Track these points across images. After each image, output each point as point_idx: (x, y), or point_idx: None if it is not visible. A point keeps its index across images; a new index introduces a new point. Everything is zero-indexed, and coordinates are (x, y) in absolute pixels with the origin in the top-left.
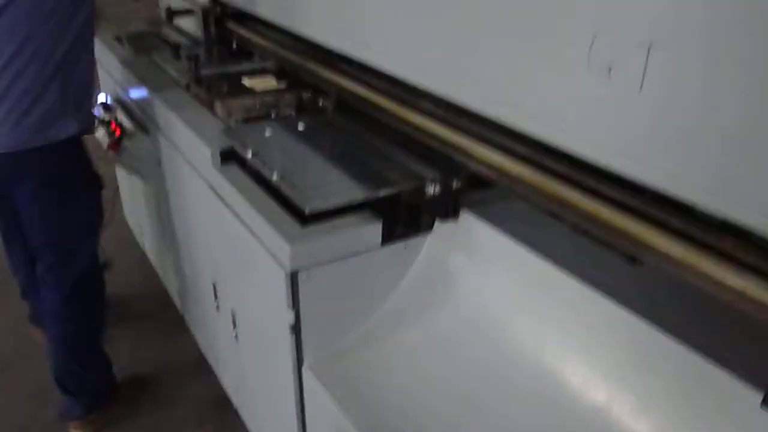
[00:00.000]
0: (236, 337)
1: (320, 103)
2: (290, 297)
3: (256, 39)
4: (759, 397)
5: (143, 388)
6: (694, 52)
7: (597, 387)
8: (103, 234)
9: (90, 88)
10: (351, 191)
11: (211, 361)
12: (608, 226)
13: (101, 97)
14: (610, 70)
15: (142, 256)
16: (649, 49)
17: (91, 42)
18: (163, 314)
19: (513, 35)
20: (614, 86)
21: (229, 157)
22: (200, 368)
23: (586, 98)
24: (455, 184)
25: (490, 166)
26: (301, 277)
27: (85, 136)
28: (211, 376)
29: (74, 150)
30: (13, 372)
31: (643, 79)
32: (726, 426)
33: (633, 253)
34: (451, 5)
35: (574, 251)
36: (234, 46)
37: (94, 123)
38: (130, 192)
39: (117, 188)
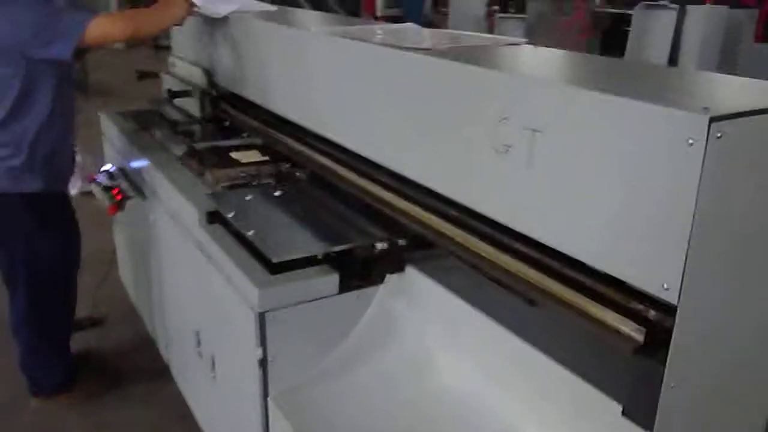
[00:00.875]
0: (214, 378)
1: (296, 174)
2: (259, 335)
3: (244, 118)
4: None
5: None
6: (567, 137)
7: (507, 406)
8: (99, 292)
9: (58, 152)
10: (312, 246)
11: (192, 406)
12: (514, 275)
13: (106, 166)
14: (507, 148)
15: (135, 314)
16: (533, 132)
17: (64, 104)
18: (151, 369)
19: (440, 127)
20: (512, 161)
21: (214, 218)
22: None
23: (493, 171)
24: (401, 242)
25: (426, 226)
26: (268, 317)
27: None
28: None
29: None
30: None
31: (531, 156)
32: (603, 426)
33: (532, 297)
34: (391, 105)
35: (492, 294)
36: (226, 123)
37: (60, 183)
38: (125, 254)
39: (114, 250)
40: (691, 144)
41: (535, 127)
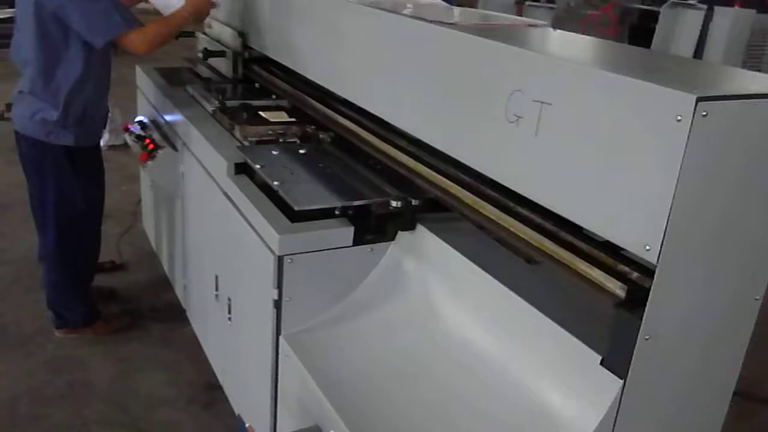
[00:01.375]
0: (230, 320)
1: (320, 136)
2: (276, 277)
3: (274, 80)
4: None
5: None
6: (571, 110)
7: (500, 353)
8: (123, 240)
9: (93, 108)
10: (331, 200)
11: (205, 348)
12: (515, 235)
13: (139, 117)
14: (518, 119)
15: (156, 261)
16: (542, 104)
17: (98, 72)
18: (168, 312)
19: (458, 96)
20: (521, 131)
21: (241, 168)
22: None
23: (504, 140)
24: (414, 202)
25: (439, 188)
26: (286, 261)
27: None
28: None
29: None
30: None
31: (538, 126)
32: (582, 373)
33: (531, 255)
34: (414, 74)
35: (494, 255)
36: (257, 84)
37: (90, 139)
38: (149, 204)
39: (139, 201)
40: (679, 120)
41: (544, 99)
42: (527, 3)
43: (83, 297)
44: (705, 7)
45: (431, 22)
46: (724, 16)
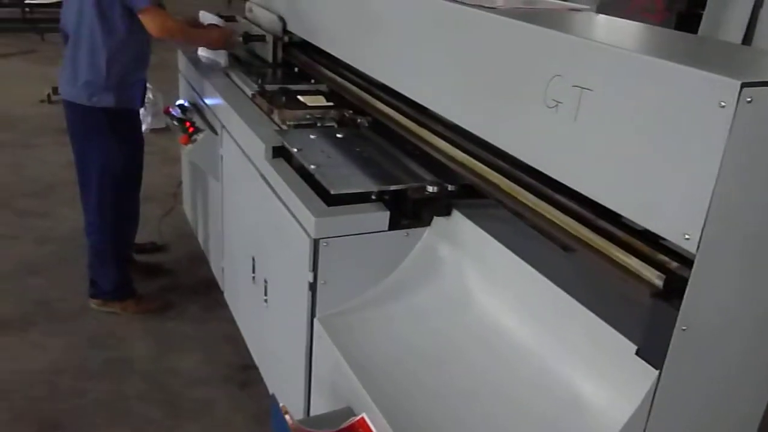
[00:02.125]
0: (266, 301)
1: (358, 120)
2: (311, 260)
3: (313, 65)
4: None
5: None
6: (611, 96)
7: (533, 340)
8: (164, 221)
9: (131, 74)
10: (368, 184)
11: (242, 328)
12: (552, 223)
13: (180, 100)
14: (557, 104)
15: (195, 243)
16: (582, 90)
17: (137, 38)
18: (207, 292)
19: (498, 81)
20: (559, 116)
21: (279, 152)
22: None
23: (542, 125)
24: (449, 188)
25: (475, 173)
26: (322, 244)
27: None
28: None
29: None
30: None
31: (577, 112)
32: (617, 363)
33: (567, 243)
34: (454, 59)
35: (529, 242)
36: (296, 69)
37: (132, 103)
38: (189, 187)
39: (180, 183)
40: (723, 106)
41: (584, 84)
42: None
43: (118, 267)
44: None
45: (470, 5)
46: None
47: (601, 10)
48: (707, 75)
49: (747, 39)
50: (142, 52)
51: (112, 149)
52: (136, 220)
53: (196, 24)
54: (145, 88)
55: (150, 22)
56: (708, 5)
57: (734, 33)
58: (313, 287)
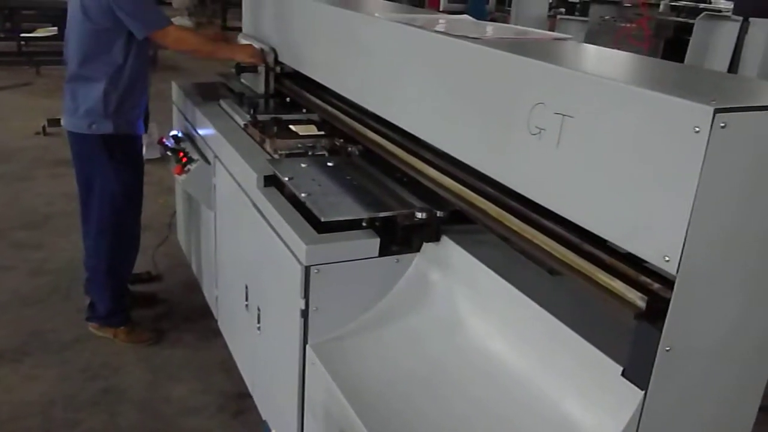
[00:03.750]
0: (259, 329)
1: (349, 149)
2: (303, 287)
3: (305, 95)
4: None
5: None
6: (591, 122)
7: (522, 363)
8: (159, 251)
9: (129, 100)
10: (358, 211)
11: (236, 357)
12: (538, 247)
13: (173, 131)
14: (540, 131)
15: (189, 272)
16: (564, 117)
17: (135, 63)
18: (201, 321)
19: (483, 109)
20: (543, 143)
21: (271, 180)
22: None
23: (526, 152)
24: (438, 214)
25: (463, 199)
26: (313, 271)
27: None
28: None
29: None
30: None
31: (559, 139)
32: (603, 384)
33: (553, 267)
34: (440, 88)
35: (517, 266)
36: (288, 99)
37: (132, 128)
38: (183, 216)
39: (174, 213)
40: (698, 132)
41: (566, 112)
42: (560, 17)
43: (113, 293)
44: (740, 19)
45: (457, 36)
46: (760, 28)
47: (589, 37)
48: (682, 101)
49: (733, 64)
50: (139, 78)
51: (112, 174)
52: (136, 246)
53: (224, 39)
54: (147, 113)
55: (164, 38)
56: (694, 32)
57: (720, 58)
58: (305, 314)
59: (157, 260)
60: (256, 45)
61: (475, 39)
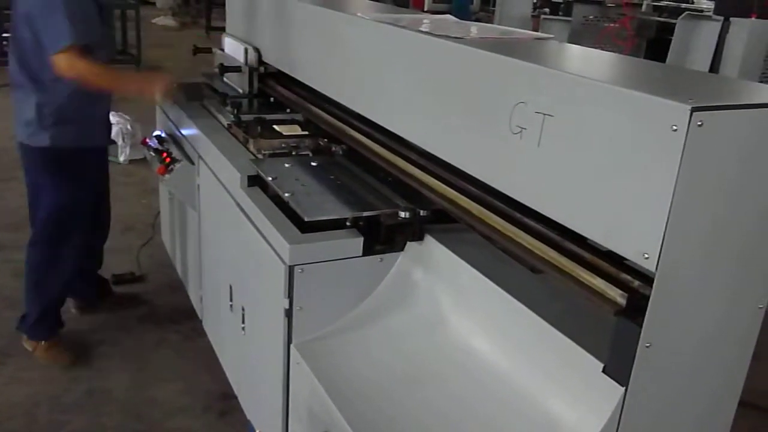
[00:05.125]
0: (243, 329)
1: (332, 149)
2: (287, 287)
3: (289, 95)
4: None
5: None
6: (571, 121)
7: (505, 361)
8: (141, 253)
9: (74, 112)
10: (341, 211)
11: (220, 357)
12: (520, 245)
13: (157, 131)
14: (521, 130)
15: (173, 273)
16: (544, 116)
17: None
18: (185, 322)
19: (465, 108)
20: (524, 142)
21: (254, 180)
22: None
23: (508, 151)
24: (422, 213)
25: (446, 198)
26: (297, 271)
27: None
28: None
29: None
30: None
31: (540, 138)
32: (584, 381)
33: (535, 265)
34: (422, 87)
35: (500, 264)
36: (271, 99)
37: (78, 141)
38: (167, 217)
39: (158, 213)
40: (675, 130)
41: (546, 111)
42: (543, 16)
43: (42, 305)
44: (721, 18)
45: (438, 36)
46: (741, 28)
47: (573, 36)
48: (659, 100)
49: (714, 63)
50: (82, 91)
51: (54, 188)
52: (78, 263)
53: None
54: (102, 125)
55: (60, 64)
56: (676, 31)
57: (702, 58)
58: (289, 314)
59: (140, 261)
60: (230, 48)
61: (457, 39)
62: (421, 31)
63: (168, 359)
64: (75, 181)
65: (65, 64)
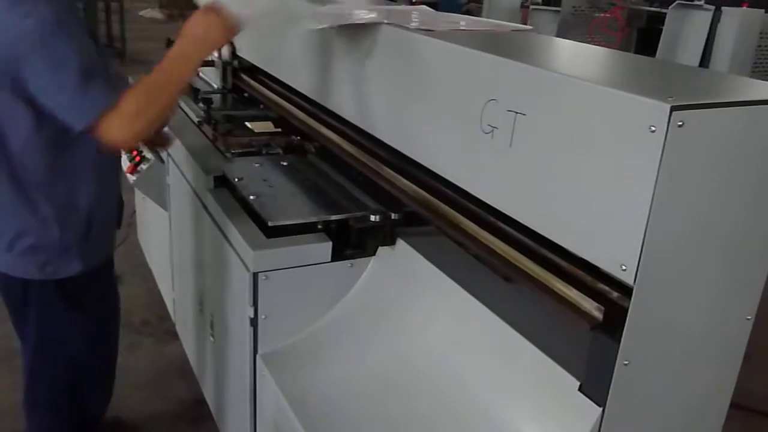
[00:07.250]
0: (212, 336)
1: (305, 147)
2: (251, 294)
3: (262, 90)
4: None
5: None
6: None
7: (477, 375)
8: (117, 252)
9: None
10: (309, 214)
11: (192, 363)
12: (493, 252)
13: None
14: (493, 129)
15: (149, 273)
16: (516, 114)
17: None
18: (159, 325)
19: (435, 106)
20: (496, 142)
21: (221, 181)
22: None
23: (479, 151)
24: (393, 216)
25: (419, 201)
26: (261, 278)
27: None
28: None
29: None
30: None
31: (512, 138)
32: (559, 400)
33: (507, 273)
34: (391, 83)
35: (474, 271)
36: (245, 94)
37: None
38: (142, 217)
39: (134, 212)
40: (653, 131)
41: (518, 109)
42: (533, 7)
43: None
44: (712, 8)
45: (406, 28)
46: (732, 17)
47: (562, 27)
48: (636, 98)
49: (706, 53)
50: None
51: (68, 328)
52: (102, 410)
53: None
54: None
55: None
56: (667, 21)
57: (693, 47)
58: (254, 322)
59: (116, 260)
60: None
61: (426, 31)
62: (391, 24)
63: (140, 364)
64: (99, 313)
65: (116, 125)
